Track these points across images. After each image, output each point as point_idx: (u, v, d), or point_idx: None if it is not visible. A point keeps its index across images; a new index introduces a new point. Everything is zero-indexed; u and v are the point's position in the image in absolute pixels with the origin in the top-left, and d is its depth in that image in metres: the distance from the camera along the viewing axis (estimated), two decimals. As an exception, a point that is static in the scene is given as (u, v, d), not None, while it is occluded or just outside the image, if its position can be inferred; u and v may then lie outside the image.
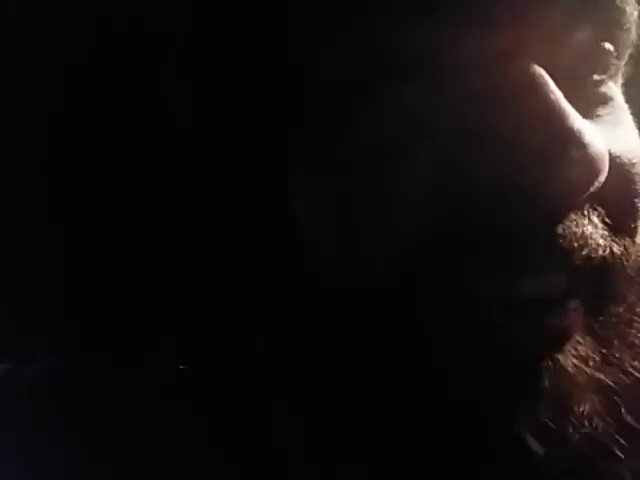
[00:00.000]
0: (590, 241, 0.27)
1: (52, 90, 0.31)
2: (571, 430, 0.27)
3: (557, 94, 0.27)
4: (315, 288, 0.28)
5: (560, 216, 0.27)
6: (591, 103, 0.29)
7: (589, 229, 0.27)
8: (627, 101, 0.32)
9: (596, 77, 0.30)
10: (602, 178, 0.26)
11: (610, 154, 0.28)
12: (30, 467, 0.31)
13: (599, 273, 0.28)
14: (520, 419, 0.27)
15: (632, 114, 0.32)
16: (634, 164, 0.29)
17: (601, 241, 0.28)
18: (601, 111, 0.30)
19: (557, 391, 0.27)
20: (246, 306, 0.30)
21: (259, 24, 0.28)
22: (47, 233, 0.32)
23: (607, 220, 0.28)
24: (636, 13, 0.30)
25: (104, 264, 0.32)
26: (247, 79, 0.28)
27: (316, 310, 0.28)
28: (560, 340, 0.27)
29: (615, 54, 0.30)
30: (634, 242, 0.29)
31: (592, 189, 0.26)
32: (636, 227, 0.30)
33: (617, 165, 0.28)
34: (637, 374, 0.29)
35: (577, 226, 0.27)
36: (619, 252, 0.28)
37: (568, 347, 0.27)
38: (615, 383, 0.28)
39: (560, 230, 0.27)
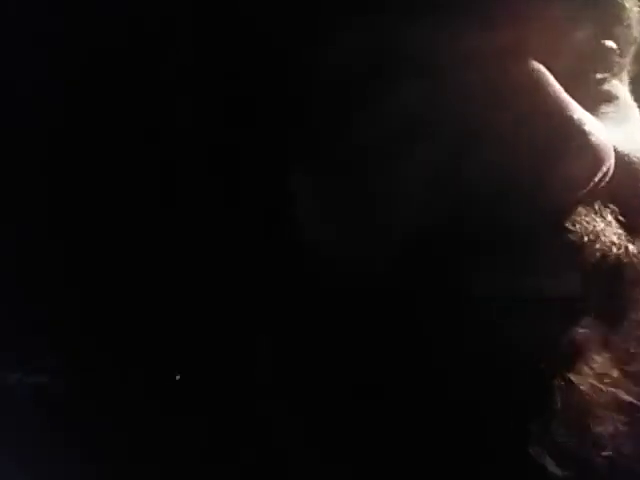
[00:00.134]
0: (603, 238, 0.27)
1: (52, 90, 0.31)
2: (590, 451, 0.26)
3: (557, 88, 0.26)
4: (315, 288, 0.28)
5: (566, 211, 0.26)
6: (595, 101, 0.29)
7: (601, 226, 0.27)
8: (636, 99, 0.32)
9: (599, 75, 0.30)
10: (605, 168, 0.26)
11: (617, 152, 0.27)
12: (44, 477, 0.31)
13: (614, 273, 0.28)
14: (528, 433, 0.26)
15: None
16: None
17: (615, 239, 0.27)
18: (606, 109, 0.29)
19: (570, 408, 0.26)
20: (246, 306, 0.29)
21: (259, 24, 0.28)
22: (48, 237, 0.32)
23: (621, 218, 0.28)
24: (636, 9, 0.30)
25: (104, 266, 0.32)
26: (247, 79, 0.28)
27: (316, 310, 0.28)
28: (570, 354, 0.27)
29: (617, 51, 0.30)
30: None
31: (596, 179, 0.26)
32: None
33: (625, 163, 0.28)
34: None
35: (587, 222, 0.27)
36: (636, 251, 0.28)
37: (582, 362, 0.27)
38: (635, 400, 0.28)
39: (568, 226, 0.26)
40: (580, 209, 0.27)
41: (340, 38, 0.27)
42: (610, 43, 0.30)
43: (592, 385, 0.27)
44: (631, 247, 0.28)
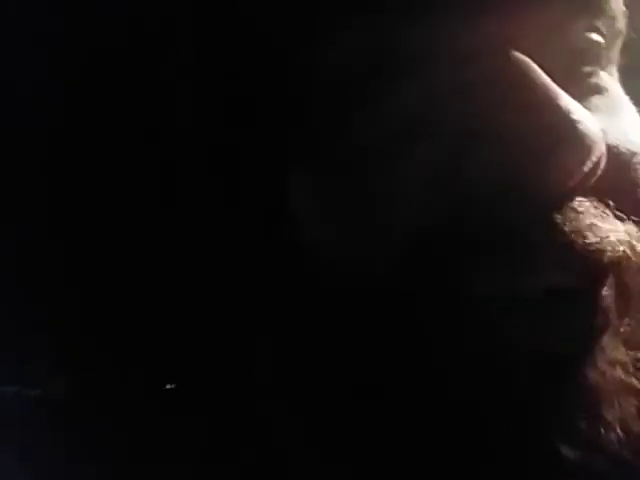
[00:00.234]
0: (601, 233, 0.27)
1: (51, 90, 0.31)
2: (603, 435, 0.26)
3: (546, 80, 0.26)
4: (315, 288, 0.28)
5: (561, 204, 0.26)
6: (584, 94, 0.29)
7: (598, 220, 0.27)
8: (627, 92, 0.32)
9: (587, 69, 0.30)
10: (596, 158, 0.26)
11: (608, 144, 0.27)
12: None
13: (619, 269, 0.27)
14: (528, 433, 0.26)
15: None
16: (634, 153, 0.29)
17: (615, 233, 0.27)
18: (595, 102, 0.29)
19: (584, 397, 0.26)
20: (246, 305, 0.29)
21: (259, 24, 0.28)
22: (47, 241, 0.32)
23: (620, 214, 0.28)
24: (620, 1, 0.30)
25: (104, 267, 0.32)
26: (247, 79, 0.28)
27: (316, 309, 0.28)
28: (579, 336, 0.27)
29: (604, 45, 0.30)
30: None
31: (587, 169, 0.26)
32: None
33: (616, 155, 0.28)
34: None
35: (585, 217, 0.27)
36: (636, 242, 0.28)
37: (593, 351, 0.27)
38: None
39: (563, 221, 0.26)
40: (576, 203, 0.27)
41: (340, 38, 0.27)
42: (596, 36, 0.30)
43: (603, 371, 0.27)
44: (634, 241, 0.28)
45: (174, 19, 0.29)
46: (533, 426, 0.26)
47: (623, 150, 0.29)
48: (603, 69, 0.30)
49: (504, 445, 0.26)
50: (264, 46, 0.28)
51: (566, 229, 0.26)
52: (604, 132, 0.28)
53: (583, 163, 0.26)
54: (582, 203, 0.27)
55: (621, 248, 0.27)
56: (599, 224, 0.27)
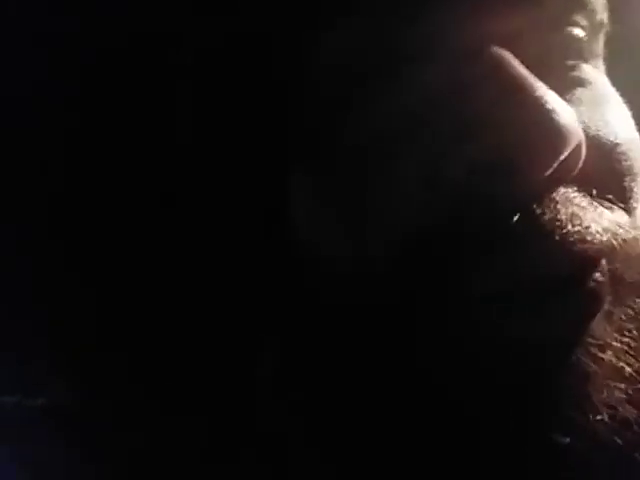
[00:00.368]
0: (584, 222, 0.27)
1: (51, 93, 0.31)
2: (594, 420, 0.26)
3: (523, 73, 0.26)
4: (315, 288, 0.28)
5: (541, 194, 0.26)
6: (567, 87, 0.29)
7: (582, 210, 0.27)
8: (614, 84, 0.32)
9: (570, 62, 0.30)
10: (570, 147, 0.26)
11: (592, 134, 0.28)
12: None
13: (605, 257, 0.27)
14: (528, 430, 0.26)
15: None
16: (617, 144, 0.29)
17: (598, 222, 0.27)
18: (578, 94, 0.29)
19: (576, 381, 0.26)
20: (247, 306, 0.30)
21: (258, 24, 0.28)
22: (47, 247, 0.32)
23: (605, 203, 0.28)
24: None
25: (107, 269, 0.32)
26: (247, 79, 0.28)
27: (316, 310, 0.28)
28: (570, 328, 0.27)
29: (585, 38, 0.30)
30: (637, 221, 0.29)
31: (562, 157, 0.26)
32: (633, 208, 0.29)
33: (599, 146, 0.28)
34: None
35: (567, 207, 0.27)
36: (625, 235, 0.28)
37: (583, 335, 0.27)
38: (637, 372, 0.27)
39: (546, 212, 0.26)
40: (559, 193, 0.27)
41: (335, 38, 0.27)
42: (576, 30, 0.30)
43: (594, 355, 0.27)
44: (621, 231, 0.28)
45: (174, 25, 0.29)
46: (526, 415, 0.26)
47: (606, 141, 0.29)
48: (586, 62, 0.30)
49: (499, 437, 0.26)
50: (263, 46, 0.28)
51: (548, 220, 0.26)
52: (586, 123, 0.28)
53: (559, 153, 0.26)
54: (565, 193, 0.27)
55: (604, 237, 0.27)
56: (582, 213, 0.27)
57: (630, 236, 0.28)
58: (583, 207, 0.27)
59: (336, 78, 0.28)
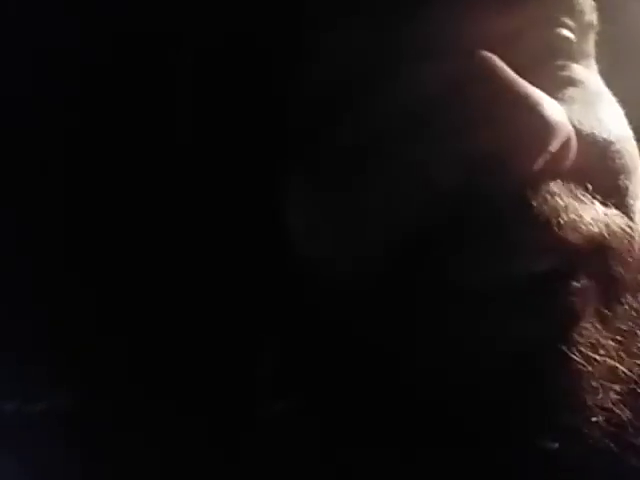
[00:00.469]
0: (580, 215, 0.27)
1: (53, 89, 0.31)
2: (587, 423, 0.26)
3: (509, 74, 0.27)
4: (314, 290, 0.28)
5: (531, 188, 0.26)
6: (558, 86, 0.29)
7: (574, 202, 0.27)
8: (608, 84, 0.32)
9: (559, 63, 0.30)
10: (557, 142, 0.26)
11: (584, 131, 0.28)
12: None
13: (600, 252, 0.27)
14: (528, 419, 0.26)
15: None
16: (611, 142, 0.29)
17: (592, 216, 0.27)
18: (570, 94, 0.30)
19: (566, 383, 0.26)
20: (247, 308, 0.30)
21: (258, 24, 0.28)
22: (48, 251, 0.32)
23: (598, 197, 0.28)
24: None
25: (109, 271, 0.32)
26: (246, 79, 0.28)
27: (315, 311, 0.28)
28: (564, 327, 0.27)
29: (574, 39, 0.30)
30: (632, 220, 0.29)
31: (548, 152, 0.26)
32: (630, 205, 0.29)
33: (592, 143, 0.29)
34: None
35: (559, 199, 0.27)
36: (618, 229, 0.28)
37: (574, 334, 0.26)
38: (630, 371, 0.27)
39: (537, 204, 0.26)
40: (551, 186, 0.27)
41: (327, 49, 0.27)
42: (564, 32, 0.30)
43: (586, 356, 0.26)
44: (613, 225, 0.28)
45: (174, 23, 0.30)
46: (516, 419, 0.26)
47: (599, 138, 0.29)
48: (577, 62, 0.31)
49: (489, 440, 0.26)
50: (260, 47, 0.28)
51: (540, 211, 0.26)
52: (580, 122, 0.28)
53: (546, 145, 0.26)
54: (557, 186, 0.27)
55: (596, 228, 0.27)
56: (574, 205, 0.27)
57: (623, 232, 0.28)
58: (576, 200, 0.27)
59: (334, 81, 0.28)
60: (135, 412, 0.31)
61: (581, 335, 0.27)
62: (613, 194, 0.29)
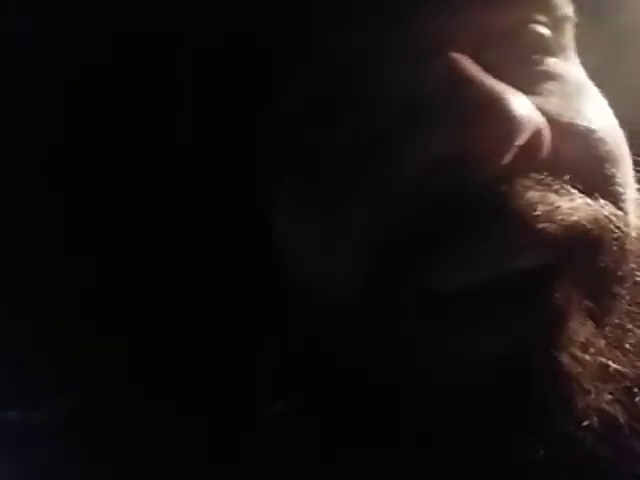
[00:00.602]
0: (552, 207, 0.26)
1: (53, 89, 0.31)
2: (580, 427, 0.25)
3: (475, 72, 0.27)
4: (304, 298, 0.28)
5: (503, 180, 0.26)
6: (535, 81, 0.29)
7: (550, 194, 0.27)
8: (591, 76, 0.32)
9: (536, 58, 0.30)
10: (525, 133, 0.26)
11: (561, 122, 0.28)
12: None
13: (584, 242, 0.27)
14: (515, 425, 0.26)
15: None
16: (592, 130, 0.29)
17: (569, 205, 0.27)
18: (548, 87, 0.29)
19: (557, 386, 0.26)
20: (246, 309, 0.30)
21: (257, 24, 0.28)
22: (47, 256, 0.32)
23: (579, 186, 0.27)
24: None
25: (109, 274, 0.32)
26: (246, 79, 0.28)
27: (308, 316, 0.28)
28: (548, 327, 0.26)
29: (549, 34, 0.30)
30: (622, 209, 0.28)
31: (516, 145, 0.26)
32: (618, 193, 0.29)
33: (572, 134, 0.28)
34: None
35: (533, 192, 0.26)
36: (602, 217, 0.27)
37: (562, 334, 0.26)
38: (624, 369, 0.27)
39: (512, 196, 0.26)
40: (525, 182, 0.27)
41: (312, 60, 0.27)
42: (539, 27, 0.30)
43: (576, 356, 0.26)
44: (600, 216, 0.27)
45: (174, 23, 0.29)
46: (506, 424, 0.26)
47: (580, 129, 0.29)
48: (555, 56, 0.31)
49: (480, 446, 0.26)
50: (260, 47, 0.28)
51: (515, 206, 0.26)
52: (558, 113, 0.28)
53: (512, 138, 0.26)
54: (531, 179, 0.27)
55: (575, 217, 0.27)
56: (550, 196, 0.27)
57: (607, 220, 0.28)
58: (552, 191, 0.27)
59: (334, 81, 0.28)
60: (135, 412, 0.31)
61: (569, 335, 0.26)
62: (598, 183, 0.28)
